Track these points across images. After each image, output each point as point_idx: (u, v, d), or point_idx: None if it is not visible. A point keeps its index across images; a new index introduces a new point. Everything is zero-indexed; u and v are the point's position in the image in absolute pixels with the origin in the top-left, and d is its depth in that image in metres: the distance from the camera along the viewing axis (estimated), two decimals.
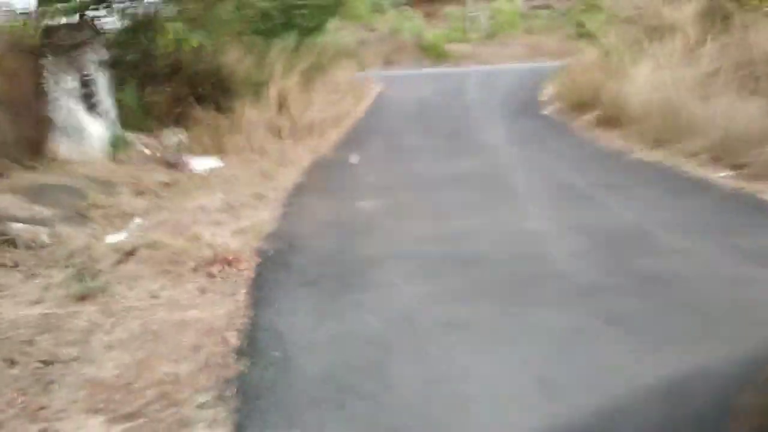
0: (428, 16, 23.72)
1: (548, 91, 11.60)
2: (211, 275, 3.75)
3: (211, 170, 7.23)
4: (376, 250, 4.20)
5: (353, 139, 8.77)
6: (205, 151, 8.20)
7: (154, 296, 3.38)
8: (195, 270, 3.82)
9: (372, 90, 13.15)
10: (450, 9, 23.97)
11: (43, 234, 4.60)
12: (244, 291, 3.47)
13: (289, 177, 6.60)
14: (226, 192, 6.02)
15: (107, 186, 6.38)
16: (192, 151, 8.23)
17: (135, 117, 9.63)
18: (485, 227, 4.55)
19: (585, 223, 4.48)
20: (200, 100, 10.24)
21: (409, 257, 4.02)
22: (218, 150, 8.24)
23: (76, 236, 4.59)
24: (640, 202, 5.04)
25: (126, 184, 6.48)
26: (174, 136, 9.09)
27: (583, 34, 22.04)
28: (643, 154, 6.61)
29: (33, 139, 7.86)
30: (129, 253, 4.16)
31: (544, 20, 24.26)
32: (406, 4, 23.78)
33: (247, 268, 3.86)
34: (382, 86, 13.54)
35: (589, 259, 3.81)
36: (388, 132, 9.16)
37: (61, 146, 7.83)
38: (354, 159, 7.38)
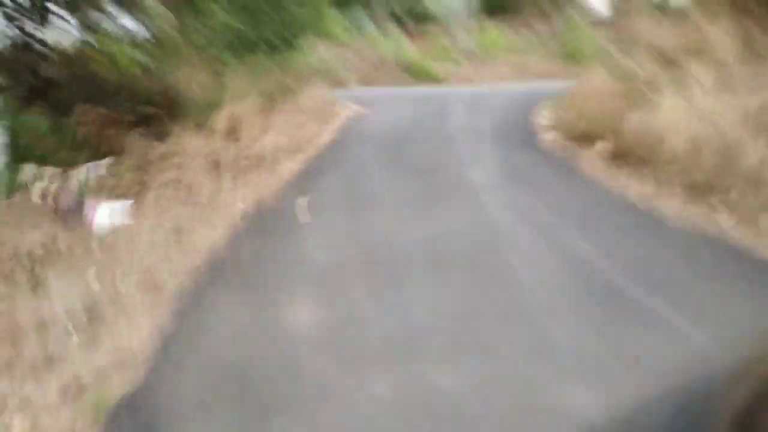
0: (412, 35, 21.83)
1: (545, 116, 9.64)
2: None
3: (115, 224, 5.17)
4: None
5: (309, 177, 6.74)
6: (122, 192, 6.15)
7: None
8: None
9: (344, 113, 11.13)
10: (434, 29, 22.10)
11: None
12: None
13: (207, 239, 4.56)
14: (108, 270, 3.96)
15: None
16: (106, 191, 6.18)
17: (47, 147, 7.57)
18: (485, 383, 2.53)
19: (630, 360, 2.54)
20: (140, 124, 8.25)
21: None
22: (139, 189, 6.20)
23: None
24: (694, 298, 3.07)
25: None
26: (91, 171, 7.03)
27: (573, 55, 20.29)
28: (682, 209, 4.64)
29: None
30: None
31: (529, 41, 22.49)
32: (389, 24, 21.90)
33: None
34: (357, 108, 11.52)
35: None
36: (355, 167, 7.14)
37: None
38: (301, 209, 5.34)
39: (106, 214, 5.40)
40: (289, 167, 7.26)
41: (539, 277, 3.53)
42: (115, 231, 4.95)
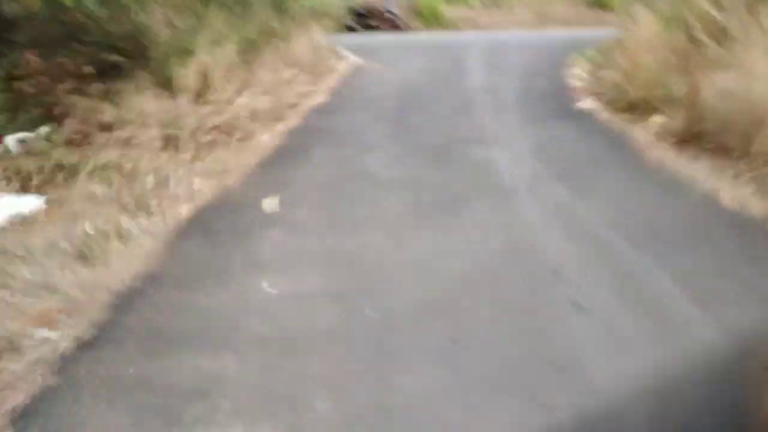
0: None
1: (579, 75, 7.98)
2: None
3: (9, 234, 3.72)
4: None
5: (290, 154, 5.21)
6: (44, 179, 4.69)
7: None
8: None
9: (342, 65, 9.47)
10: None
11: None
12: None
13: (123, 269, 3.07)
14: None
15: None
16: (20, 178, 4.72)
17: None
18: None
19: None
20: (99, 76, 6.76)
21: None
22: (67, 175, 4.75)
23: None
24: None
25: None
26: (12, 147, 5.53)
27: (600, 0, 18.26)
28: None
29: None
30: None
31: None
32: None
33: None
34: (359, 59, 9.84)
35: None
36: (349, 140, 5.59)
37: None
38: (270, 213, 3.84)
39: (6, 215, 3.95)
40: (269, 138, 5.72)
41: (610, 348, 2.07)
42: (9, 239, 3.49)
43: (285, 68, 8.04)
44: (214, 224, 3.68)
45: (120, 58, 6.84)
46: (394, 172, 4.53)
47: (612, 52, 7.64)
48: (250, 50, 7.84)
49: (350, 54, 10.08)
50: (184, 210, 3.96)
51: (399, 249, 3.16)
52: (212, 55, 6.91)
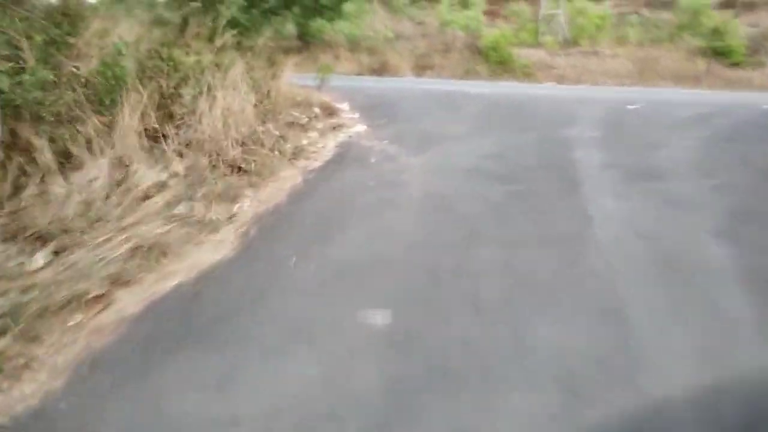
0: (490, 15, 15.19)
1: None
2: None
3: None
4: None
5: None
6: None
7: None
8: None
9: (329, 142, 4.73)
10: (517, 7, 15.32)
11: None
12: None
13: None
14: None
15: None
16: None
17: None
18: None
19: None
20: None
21: None
22: None
23: None
24: None
25: None
26: None
27: (722, 51, 13.34)
28: None
29: None
30: None
31: (639, 28, 15.50)
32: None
33: None
34: (364, 126, 5.14)
35: None
36: None
37: None
38: None
39: None
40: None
41: None
42: None
43: (179, 155, 3.42)
44: None
45: None
46: None
47: None
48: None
49: (352, 114, 5.40)
50: None
51: None
52: None
